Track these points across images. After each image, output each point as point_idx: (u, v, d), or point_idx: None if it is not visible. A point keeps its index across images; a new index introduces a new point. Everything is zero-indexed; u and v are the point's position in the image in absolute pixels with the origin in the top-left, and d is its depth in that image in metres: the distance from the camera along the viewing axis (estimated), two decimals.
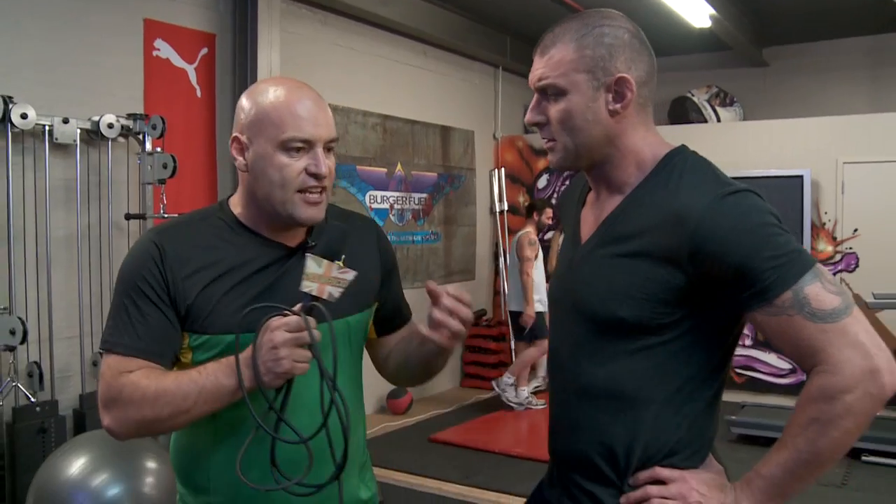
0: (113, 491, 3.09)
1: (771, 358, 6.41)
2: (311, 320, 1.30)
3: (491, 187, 7.51)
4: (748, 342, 6.47)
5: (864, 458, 4.81)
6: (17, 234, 3.69)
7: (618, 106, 1.31)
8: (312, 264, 1.31)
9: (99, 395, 1.39)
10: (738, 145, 6.47)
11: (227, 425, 1.39)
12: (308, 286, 1.30)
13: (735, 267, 1.21)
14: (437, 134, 6.73)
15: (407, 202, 6.50)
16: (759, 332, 1.29)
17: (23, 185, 3.73)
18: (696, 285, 1.25)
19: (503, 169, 7.51)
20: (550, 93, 1.32)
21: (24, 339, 3.43)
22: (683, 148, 1.37)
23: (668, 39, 6.79)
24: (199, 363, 1.38)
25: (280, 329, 1.29)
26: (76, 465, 3.14)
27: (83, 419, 3.89)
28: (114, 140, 4.00)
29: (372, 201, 6.15)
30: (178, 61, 4.50)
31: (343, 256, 1.39)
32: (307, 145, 1.39)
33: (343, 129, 5.82)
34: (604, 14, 1.34)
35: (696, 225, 1.22)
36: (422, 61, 6.54)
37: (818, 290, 1.19)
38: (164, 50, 4.41)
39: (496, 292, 7.46)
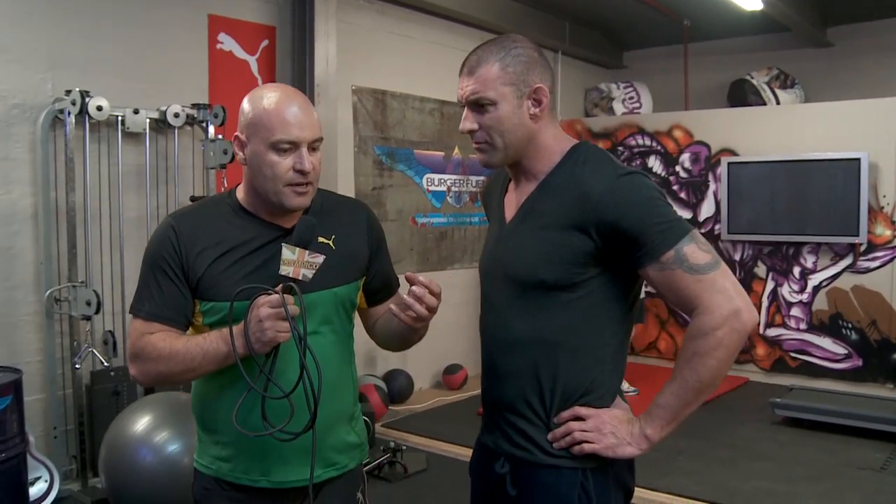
0: (172, 447, 3.41)
1: (826, 342, 6.38)
2: (290, 297, 1.57)
3: None
4: (803, 326, 6.46)
5: None
6: (93, 214, 4.07)
7: (537, 110, 1.60)
8: (287, 252, 1.58)
9: (128, 349, 1.70)
10: (796, 128, 6.41)
11: (229, 379, 1.65)
12: (285, 270, 1.57)
13: (630, 232, 1.49)
14: None
15: (464, 185, 6.70)
16: (653, 289, 1.55)
17: (98, 170, 4.10)
18: (601, 249, 1.52)
19: None
20: (483, 104, 1.58)
21: (98, 310, 3.80)
22: (584, 142, 1.67)
23: (728, 21, 6.77)
24: (209, 325, 1.66)
25: (264, 306, 1.55)
26: (141, 423, 3.48)
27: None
28: (180, 128, 4.34)
29: (429, 184, 6.38)
30: (240, 53, 4.81)
31: (333, 236, 1.69)
32: (293, 146, 1.63)
33: (401, 115, 6.05)
34: (513, 38, 1.63)
35: (598, 200, 1.51)
36: None
37: (694, 249, 1.49)
38: (227, 43, 4.73)
39: None
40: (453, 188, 6.61)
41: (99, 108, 3.89)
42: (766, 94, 6.80)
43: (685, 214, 6.91)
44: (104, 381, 4.05)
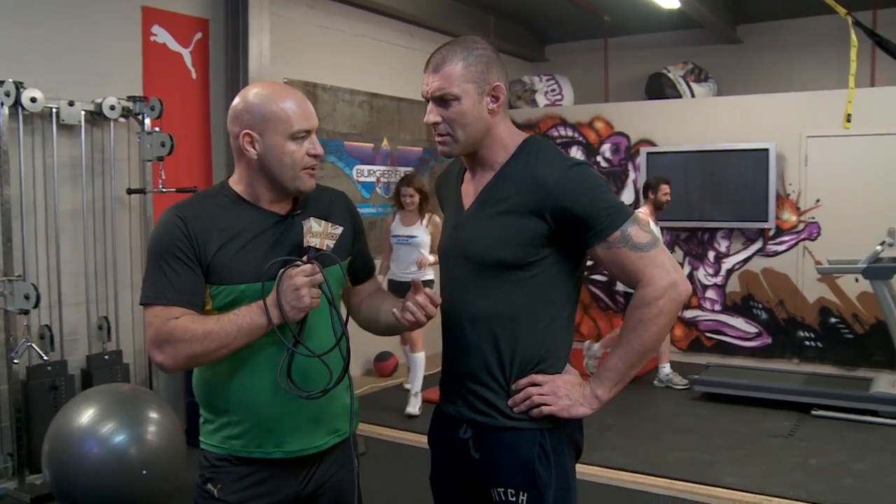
0: (119, 438, 3.43)
1: (738, 322, 6.79)
2: (319, 266, 1.73)
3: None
4: (718, 307, 6.85)
5: (812, 412, 5.20)
6: (28, 207, 4.03)
7: (495, 106, 1.75)
8: (315, 224, 1.75)
9: (149, 339, 1.74)
10: (709, 120, 6.79)
11: (239, 363, 1.76)
12: (312, 241, 1.73)
13: (581, 215, 1.66)
14: (421, 110, 6.87)
15: (393, 175, 6.82)
16: (600, 265, 1.74)
17: (33, 163, 4.06)
18: (554, 231, 1.69)
19: None
20: (447, 99, 1.73)
21: (37, 304, 3.77)
22: (534, 135, 1.84)
23: (646, 18, 7.09)
24: (219, 308, 1.76)
25: (299, 275, 1.70)
26: (85, 415, 3.47)
27: (90, 378, 4.25)
28: (115, 121, 4.33)
29: (359, 175, 6.47)
30: (174, 45, 4.81)
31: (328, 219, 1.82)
32: (307, 134, 1.79)
33: (331, 107, 6.13)
34: (474, 40, 1.78)
35: (552, 187, 1.67)
36: (407, 41, 6.83)
37: (637, 230, 1.68)
38: (160, 35, 4.72)
39: None
40: (382, 179, 6.72)
41: (33, 100, 3.86)
42: (682, 87, 7.15)
43: None
44: (41, 376, 4.02)
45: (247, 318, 1.70)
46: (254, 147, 1.77)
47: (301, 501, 1.86)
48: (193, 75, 4.96)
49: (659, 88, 7.29)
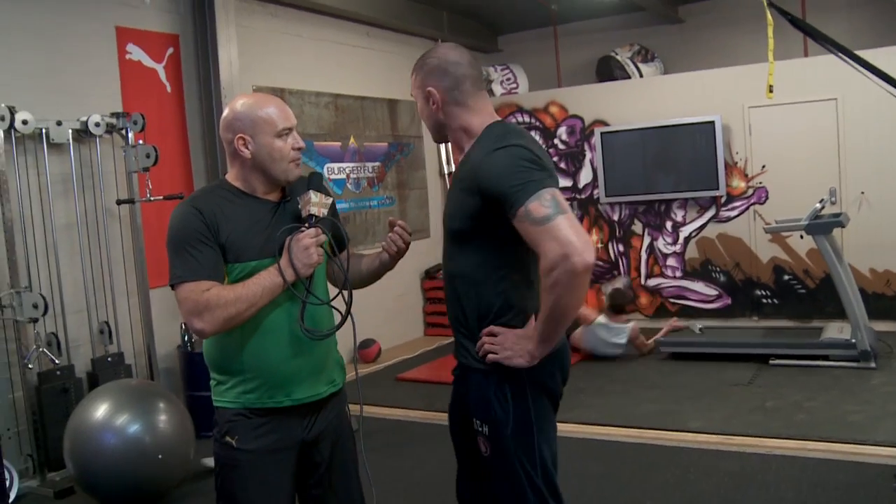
0: (133, 427, 3.74)
1: (699, 286, 7.21)
2: (321, 229, 2.14)
3: (438, 152, 8.15)
4: (679, 274, 7.27)
5: (770, 361, 5.63)
6: (27, 223, 4.29)
7: (434, 107, 2.11)
8: (314, 196, 2.13)
9: (187, 311, 2.05)
10: (658, 97, 7.19)
11: (251, 329, 2.10)
12: (314, 209, 2.12)
13: (496, 195, 1.90)
14: (385, 107, 7.35)
15: (362, 171, 7.13)
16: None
17: (28, 181, 4.32)
18: (484, 208, 1.95)
19: None
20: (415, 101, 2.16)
21: (45, 312, 4.04)
22: (498, 121, 2.10)
23: (591, 4, 7.46)
24: (233, 282, 2.08)
25: (306, 237, 2.10)
26: (101, 411, 3.77)
27: (96, 380, 4.51)
28: (101, 136, 4.59)
29: (329, 172, 6.77)
30: (148, 62, 5.08)
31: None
32: (289, 131, 2.15)
33: (298, 110, 6.41)
34: (434, 50, 2.13)
35: (478, 169, 1.96)
36: (366, 41, 7.13)
37: (537, 205, 1.83)
38: (135, 53, 4.98)
39: None
40: (352, 175, 7.03)
41: (24, 122, 4.12)
42: (630, 68, 7.54)
43: (566, 183, 7.60)
44: (52, 381, 4.28)
45: (267, 279, 2.06)
46: (247, 148, 2.12)
47: (305, 446, 2.21)
48: (168, 89, 5.22)
49: (608, 71, 7.68)
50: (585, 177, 7.57)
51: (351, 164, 7.02)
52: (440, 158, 8.15)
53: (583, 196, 7.62)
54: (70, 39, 4.62)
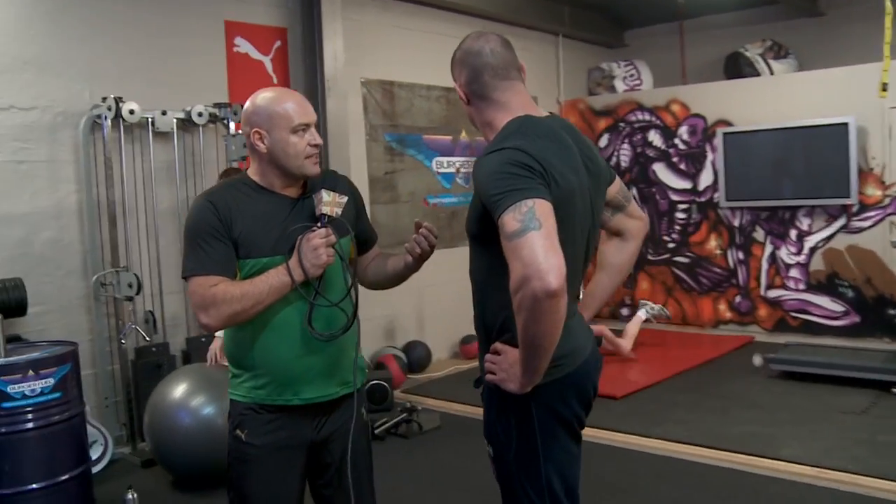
0: (207, 409, 3.86)
1: (824, 301, 6.69)
2: (331, 229, 2.10)
3: None
4: (802, 286, 6.77)
5: (893, 390, 5.12)
6: (130, 208, 4.55)
7: (464, 102, 2.01)
8: (326, 195, 2.10)
9: (195, 305, 2.07)
10: (787, 96, 6.70)
11: (262, 325, 2.10)
12: (324, 209, 2.09)
13: (484, 202, 1.77)
14: None
15: (471, 166, 7.08)
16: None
17: (133, 167, 4.58)
18: (486, 212, 1.77)
19: None
20: None
21: (139, 291, 4.27)
22: (520, 117, 1.90)
23: None
24: (246, 278, 2.08)
25: (316, 237, 2.07)
26: (179, 390, 3.93)
27: (189, 357, 4.74)
28: (204, 126, 4.79)
29: (438, 166, 6.78)
30: (255, 55, 5.25)
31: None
32: (306, 127, 2.11)
33: (408, 103, 6.45)
34: (463, 41, 2.00)
35: (475, 172, 1.84)
36: None
37: (510, 219, 1.65)
38: (242, 46, 5.17)
39: None
40: (462, 169, 7.00)
41: (131, 112, 4.35)
42: (760, 65, 7.08)
43: (685, 185, 7.26)
44: (147, 356, 4.52)
45: (275, 278, 2.05)
46: (263, 142, 2.10)
47: (315, 446, 2.19)
48: (274, 80, 5.38)
49: (736, 68, 7.25)
50: (706, 179, 7.18)
51: (461, 159, 7.00)
52: None
53: (702, 199, 7.24)
54: (180, 34, 4.85)
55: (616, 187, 2.16)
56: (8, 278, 3.89)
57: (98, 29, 4.46)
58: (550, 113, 2.03)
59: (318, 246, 2.05)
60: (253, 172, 2.19)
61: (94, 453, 4.17)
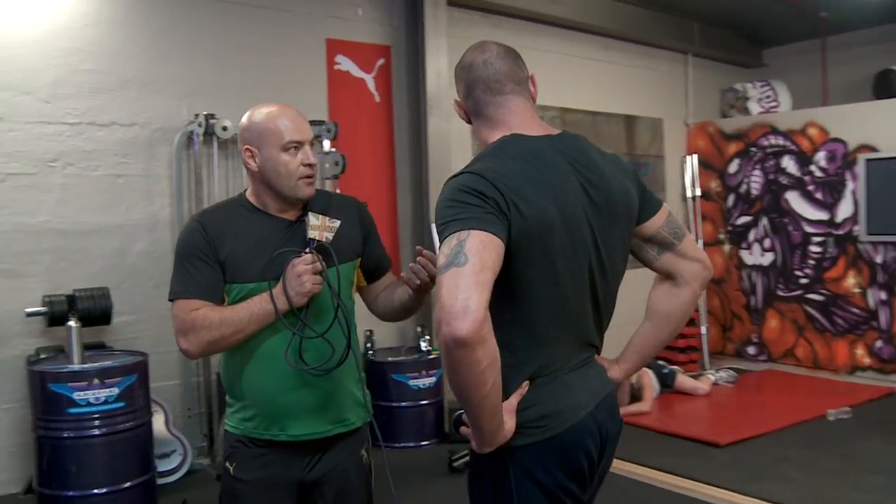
0: None
1: None
2: (318, 256, 1.94)
3: (682, 173, 7.55)
4: None
5: None
6: None
7: (463, 118, 1.83)
8: (313, 219, 1.95)
9: (175, 329, 1.98)
10: None
11: (250, 354, 1.98)
12: (312, 234, 1.94)
13: None
14: (620, 123, 6.94)
15: None
16: None
17: (227, 183, 4.65)
18: None
19: (696, 155, 7.51)
20: None
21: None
22: (501, 137, 1.71)
23: (868, 11, 6.44)
24: (233, 304, 1.97)
25: (300, 264, 1.92)
26: None
27: None
28: None
29: None
30: (356, 72, 5.24)
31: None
32: (299, 145, 1.97)
33: None
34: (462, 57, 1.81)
35: None
36: (602, 54, 6.77)
37: (445, 250, 1.48)
38: (343, 63, 5.17)
39: None
40: None
41: (224, 129, 4.43)
42: None
43: (821, 216, 6.64)
44: None
45: (258, 305, 1.92)
46: (254, 160, 1.98)
47: (306, 487, 2.04)
48: (377, 98, 5.35)
49: (887, 87, 6.57)
50: (845, 210, 6.53)
51: None
52: (683, 179, 7.55)
53: (840, 232, 6.58)
54: (281, 53, 4.90)
55: (660, 221, 1.87)
56: (96, 287, 4.03)
57: (199, 48, 4.59)
58: (563, 131, 1.79)
59: (301, 273, 1.92)
60: (250, 193, 2.08)
61: (173, 463, 4.25)
